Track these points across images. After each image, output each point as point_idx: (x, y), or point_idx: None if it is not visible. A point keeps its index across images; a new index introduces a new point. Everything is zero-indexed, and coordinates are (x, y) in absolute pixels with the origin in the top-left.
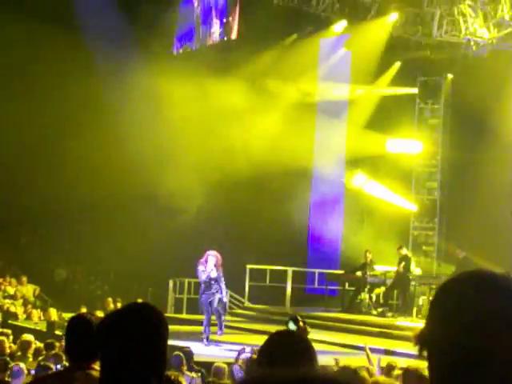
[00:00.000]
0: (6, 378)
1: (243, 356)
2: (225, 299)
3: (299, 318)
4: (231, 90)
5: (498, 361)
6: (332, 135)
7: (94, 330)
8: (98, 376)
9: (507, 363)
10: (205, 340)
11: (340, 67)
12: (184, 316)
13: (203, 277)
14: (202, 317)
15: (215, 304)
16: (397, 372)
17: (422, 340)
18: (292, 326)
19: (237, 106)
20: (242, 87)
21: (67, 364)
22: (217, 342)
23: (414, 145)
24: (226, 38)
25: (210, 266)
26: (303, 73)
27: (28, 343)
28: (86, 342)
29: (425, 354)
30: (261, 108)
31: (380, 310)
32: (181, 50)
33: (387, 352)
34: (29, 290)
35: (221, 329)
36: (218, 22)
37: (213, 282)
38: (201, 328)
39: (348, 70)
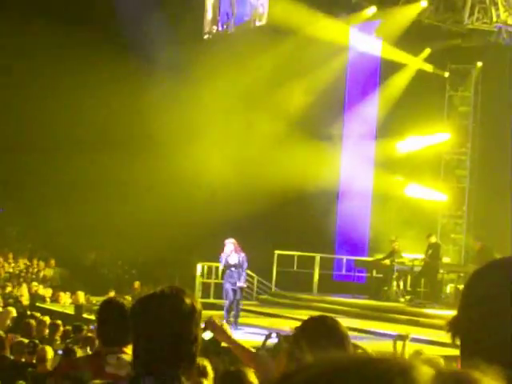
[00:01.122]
0: (34, 361)
1: (270, 341)
2: (243, 284)
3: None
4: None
5: None
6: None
7: (126, 314)
8: (129, 360)
9: None
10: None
11: (370, 54)
12: (211, 300)
13: (222, 264)
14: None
15: (238, 294)
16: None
17: (454, 327)
18: (208, 336)
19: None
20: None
21: (97, 347)
22: (242, 326)
23: (443, 137)
24: (255, 24)
25: (226, 252)
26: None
27: (56, 326)
28: (118, 326)
29: (457, 342)
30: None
31: (408, 297)
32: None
33: (415, 340)
34: (57, 272)
35: (236, 318)
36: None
37: (233, 269)
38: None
39: (378, 55)
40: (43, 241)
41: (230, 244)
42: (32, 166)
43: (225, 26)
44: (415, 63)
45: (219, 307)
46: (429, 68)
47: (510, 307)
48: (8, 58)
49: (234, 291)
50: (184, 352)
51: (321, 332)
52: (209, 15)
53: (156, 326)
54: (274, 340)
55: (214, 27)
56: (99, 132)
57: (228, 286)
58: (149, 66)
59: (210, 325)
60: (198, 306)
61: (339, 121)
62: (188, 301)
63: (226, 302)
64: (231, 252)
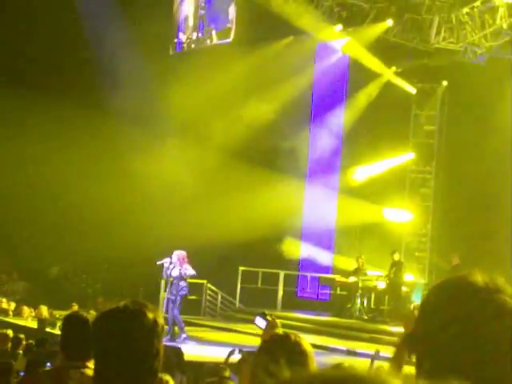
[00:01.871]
0: None
1: (233, 357)
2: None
3: (267, 312)
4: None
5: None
6: None
7: (90, 328)
8: (91, 375)
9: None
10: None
11: (337, 70)
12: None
13: (164, 275)
14: (192, 317)
15: (175, 306)
16: None
17: (410, 343)
18: (260, 322)
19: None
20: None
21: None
22: (205, 341)
23: (407, 156)
24: (222, 41)
25: (167, 265)
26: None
27: (19, 339)
28: (81, 340)
29: (412, 358)
30: None
31: (371, 315)
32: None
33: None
34: (20, 286)
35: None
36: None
37: (175, 282)
38: (190, 328)
39: (346, 73)
40: (6, 254)
41: (174, 256)
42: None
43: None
44: (381, 80)
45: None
46: (396, 83)
47: (442, 324)
48: None
49: (173, 303)
50: (146, 367)
51: (284, 349)
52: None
53: (118, 340)
54: (237, 356)
55: (190, 36)
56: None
57: (166, 299)
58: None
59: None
60: (161, 321)
61: (304, 136)
62: (150, 315)
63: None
64: (174, 264)
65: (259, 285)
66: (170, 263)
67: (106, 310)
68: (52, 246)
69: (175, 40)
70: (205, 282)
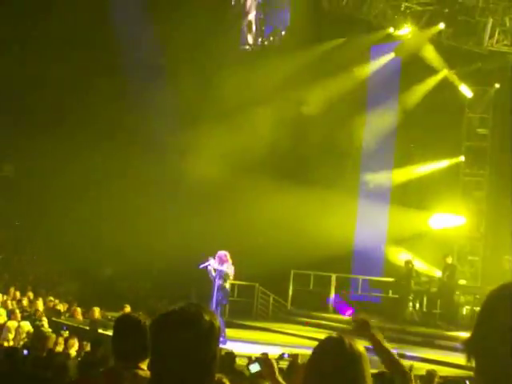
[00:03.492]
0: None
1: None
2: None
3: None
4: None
5: None
6: None
7: (142, 330)
8: (145, 376)
9: None
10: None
11: (389, 72)
12: (226, 318)
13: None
14: (244, 319)
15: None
16: (437, 380)
17: (469, 347)
18: (254, 368)
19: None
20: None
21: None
22: (256, 343)
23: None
24: (275, 40)
25: (211, 263)
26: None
27: (73, 340)
28: (134, 342)
29: (472, 362)
30: None
31: (423, 318)
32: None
33: (428, 361)
34: (72, 287)
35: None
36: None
37: (216, 281)
38: (242, 331)
39: (398, 76)
40: (58, 255)
41: (216, 257)
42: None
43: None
44: (434, 81)
45: (235, 325)
46: (451, 83)
47: None
48: None
49: (216, 303)
50: (203, 370)
51: (338, 352)
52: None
53: (176, 344)
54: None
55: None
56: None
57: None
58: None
59: (263, 361)
60: (217, 323)
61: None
62: (207, 318)
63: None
64: (217, 264)
65: (311, 287)
66: (211, 264)
67: (163, 312)
68: (105, 246)
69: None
70: (256, 284)
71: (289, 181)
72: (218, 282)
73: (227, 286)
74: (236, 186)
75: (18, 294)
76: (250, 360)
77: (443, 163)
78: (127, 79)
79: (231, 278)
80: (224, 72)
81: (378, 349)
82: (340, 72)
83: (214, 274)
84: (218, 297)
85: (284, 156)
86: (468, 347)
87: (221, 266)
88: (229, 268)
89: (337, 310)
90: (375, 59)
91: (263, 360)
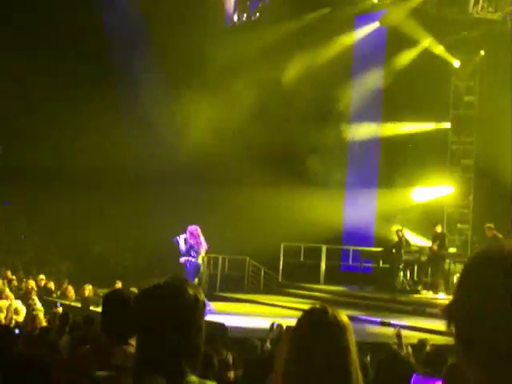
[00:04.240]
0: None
1: (274, 332)
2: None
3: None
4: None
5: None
6: None
7: (131, 305)
8: (134, 352)
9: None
10: None
11: (375, 43)
12: (217, 293)
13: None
14: (235, 292)
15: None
16: (429, 348)
17: (449, 313)
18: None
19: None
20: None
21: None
22: (248, 315)
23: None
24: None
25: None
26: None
27: (66, 317)
28: (122, 318)
29: (452, 328)
30: None
31: (414, 287)
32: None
33: (420, 329)
34: (63, 265)
35: None
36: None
37: (188, 257)
38: (233, 304)
39: (383, 46)
40: (49, 233)
41: (187, 232)
42: (40, 156)
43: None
44: (419, 50)
45: (225, 299)
46: (436, 52)
47: (505, 300)
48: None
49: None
50: (188, 343)
51: (321, 322)
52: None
53: (159, 317)
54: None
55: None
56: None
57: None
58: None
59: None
60: (201, 297)
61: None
62: (191, 291)
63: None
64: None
65: (301, 259)
66: (185, 239)
67: (146, 286)
68: (95, 224)
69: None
70: (247, 258)
71: (277, 149)
72: (187, 256)
73: (198, 260)
74: (225, 158)
75: (8, 273)
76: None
77: (429, 125)
78: (111, 55)
79: (202, 253)
80: (208, 46)
81: None
82: (325, 42)
83: (183, 248)
84: (188, 270)
85: (271, 125)
86: (447, 313)
87: (192, 240)
88: (198, 243)
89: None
90: (360, 28)
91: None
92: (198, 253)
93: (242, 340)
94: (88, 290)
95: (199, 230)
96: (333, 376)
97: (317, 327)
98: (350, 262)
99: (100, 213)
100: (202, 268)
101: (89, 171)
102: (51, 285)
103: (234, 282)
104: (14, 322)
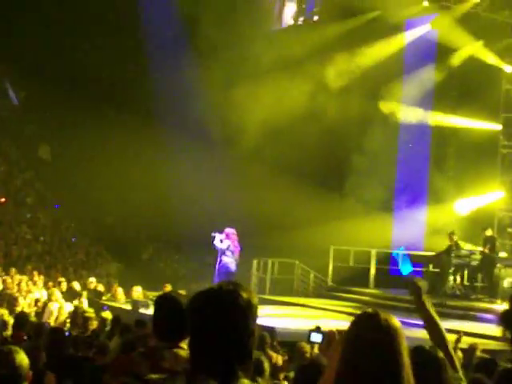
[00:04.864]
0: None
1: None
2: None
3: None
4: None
5: None
6: None
7: (182, 309)
8: (185, 355)
9: None
10: None
11: (425, 46)
12: (267, 296)
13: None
14: (284, 297)
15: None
16: (479, 354)
17: (506, 320)
18: (316, 337)
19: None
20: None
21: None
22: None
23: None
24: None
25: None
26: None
27: (116, 320)
28: (174, 321)
29: (508, 335)
30: None
31: (464, 292)
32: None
33: (470, 334)
34: (113, 268)
35: None
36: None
37: (219, 255)
38: (283, 307)
39: (434, 49)
40: (99, 236)
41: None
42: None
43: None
44: (469, 54)
45: (275, 302)
46: (486, 58)
47: None
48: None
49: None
50: (241, 347)
51: (373, 327)
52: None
53: (213, 320)
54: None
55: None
56: None
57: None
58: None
59: (327, 336)
60: (255, 301)
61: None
62: (245, 295)
63: None
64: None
65: (351, 263)
66: (221, 240)
67: (200, 290)
68: (145, 226)
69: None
70: (296, 261)
71: (326, 149)
72: (220, 256)
73: (227, 261)
74: (275, 159)
75: (59, 275)
76: (315, 329)
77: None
78: (154, 58)
79: (235, 255)
80: (257, 48)
81: (427, 320)
82: (375, 43)
83: (218, 246)
84: (219, 269)
85: (321, 125)
86: (504, 320)
87: (228, 242)
88: (226, 245)
89: (399, 263)
90: (411, 31)
91: (328, 335)
92: (233, 253)
93: (292, 344)
94: (137, 292)
95: (235, 233)
96: (385, 380)
97: (369, 332)
98: (400, 267)
99: (149, 214)
100: (232, 270)
101: (139, 177)
102: (101, 287)
103: (283, 286)
104: (63, 324)
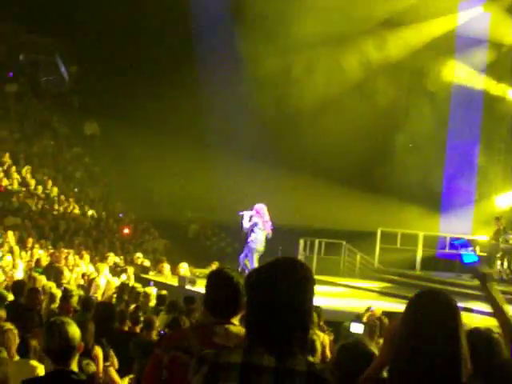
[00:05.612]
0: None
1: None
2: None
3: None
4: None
5: None
6: None
7: (235, 285)
8: (236, 331)
9: None
10: None
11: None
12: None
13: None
14: (330, 277)
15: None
16: None
17: None
18: (357, 328)
19: None
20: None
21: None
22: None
23: None
24: None
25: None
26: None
27: (162, 297)
28: (226, 297)
29: None
30: None
31: (511, 276)
32: None
33: None
34: (160, 244)
35: None
36: None
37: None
38: (329, 287)
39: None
40: (146, 212)
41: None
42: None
43: None
44: None
45: (320, 282)
46: None
47: None
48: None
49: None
50: (298, 324)
51: (435, 304)
52: None
53: (270, 293)
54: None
55: None
56: None
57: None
58: None
59: (368, 327)
60: (312, 276)
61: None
62: (301, 270)
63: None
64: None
65: (398, 246)
66: (250, 216)
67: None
68: (193, 203)
69: None
70: (344, 242)
71: (377, 123)
72: (249, 233)
73: (253, 238)
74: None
75: (105, 250)
76: (356, 318)
77: None
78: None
79: (268, 230)
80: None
81: (494, 307)
82: (428, 22)
83: (246, 225)
84: (248, 246)
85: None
86: None
87: (258, 218)
88: (251, 224)
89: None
90: (463, 12)
91: (369, 326)
92: (262, 229)
93: (337, 324)
94: (184, 268)
95: (265, 209)
96: (444, 358)
97: (431, 309)
98: (447, 250)
99: (197, 192)
100: (261, 247)
101: (188, 152)
102: (147, 263)
103: (330, 266)
104: (110, 298)
